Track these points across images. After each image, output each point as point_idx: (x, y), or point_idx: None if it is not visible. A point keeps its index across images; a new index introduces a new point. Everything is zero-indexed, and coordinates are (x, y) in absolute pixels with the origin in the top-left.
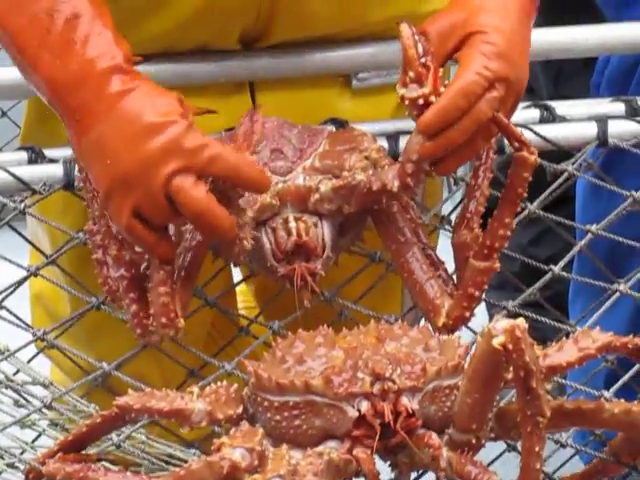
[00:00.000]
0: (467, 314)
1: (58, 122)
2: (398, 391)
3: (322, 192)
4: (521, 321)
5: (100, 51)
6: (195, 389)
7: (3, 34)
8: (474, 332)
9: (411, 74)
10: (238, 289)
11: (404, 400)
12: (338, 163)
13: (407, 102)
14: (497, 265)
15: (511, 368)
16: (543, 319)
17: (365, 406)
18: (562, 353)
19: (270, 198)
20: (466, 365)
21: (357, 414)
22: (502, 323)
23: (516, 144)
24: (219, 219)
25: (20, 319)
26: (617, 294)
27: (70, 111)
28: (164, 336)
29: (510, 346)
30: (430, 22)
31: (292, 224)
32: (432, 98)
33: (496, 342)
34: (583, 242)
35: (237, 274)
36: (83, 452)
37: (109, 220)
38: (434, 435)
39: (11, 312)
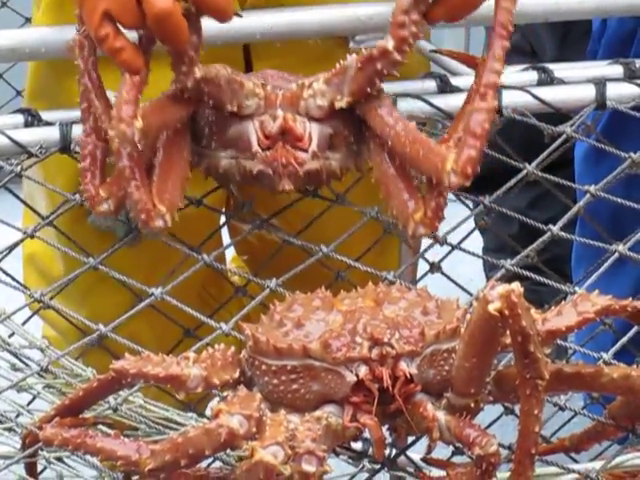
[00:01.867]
0: (473, 154)
1: (62, 82)
2: (396, 356)
3: (314, 87)
4: (516, 285)
5: None
6: (191, 354)
7: None
8: (470, 294)
9: None
10: (231, 255)
11: (402, 365)
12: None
13: None
14: (495, 103)
15: (508, 333)
16: (542, 279)
17: (363, 371)
18: (561, 317)
19: (254, 85)
20: (463, 328)
21: (355, 379)
22: (498, 289)
23: None
24: (178, 27)
25: (17, 281)
26: (616, 255)
27: None
28: (160, 223)
29: (506, 312)
30: None
31: (279, 113)
32: None
33: (492, 308)
34: (582, 202)
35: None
36: (80, 416)
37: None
38: (429, 406)
39: (7, 274)
